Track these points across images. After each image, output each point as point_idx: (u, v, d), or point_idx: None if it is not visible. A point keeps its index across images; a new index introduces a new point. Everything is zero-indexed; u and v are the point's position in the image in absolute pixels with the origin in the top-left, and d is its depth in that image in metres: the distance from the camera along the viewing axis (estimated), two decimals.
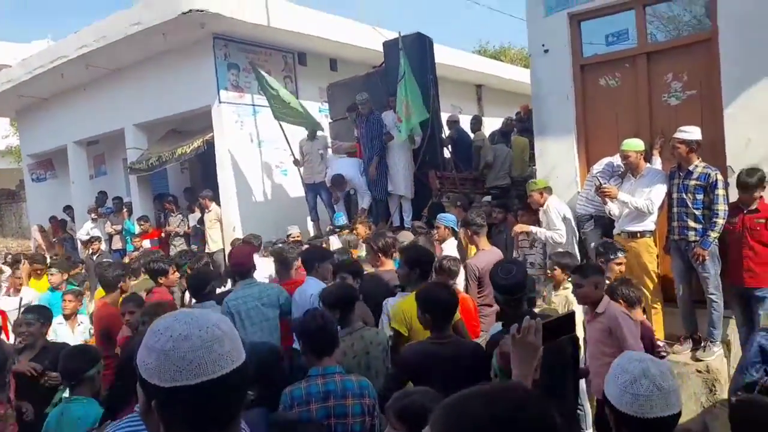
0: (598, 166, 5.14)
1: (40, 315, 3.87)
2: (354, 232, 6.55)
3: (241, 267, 4.29)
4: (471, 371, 2.66)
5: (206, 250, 8.35)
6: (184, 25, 8.26)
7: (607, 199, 4.62)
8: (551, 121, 5.64)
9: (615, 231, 4.78)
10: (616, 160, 4.93)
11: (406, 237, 5.78)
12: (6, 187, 16.50)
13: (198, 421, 0.97)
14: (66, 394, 3.12)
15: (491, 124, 11.30)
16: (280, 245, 6.31)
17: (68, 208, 11.91)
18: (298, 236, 7.45)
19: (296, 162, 8.54)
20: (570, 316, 1.73)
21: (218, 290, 4.53)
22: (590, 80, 5.48)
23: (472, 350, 2.79)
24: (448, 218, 5.30)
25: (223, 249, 8.48)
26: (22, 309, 5.39)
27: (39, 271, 7.10)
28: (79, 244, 10.43)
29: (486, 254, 4.62)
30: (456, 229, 5.22)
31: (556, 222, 5.08)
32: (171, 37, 8.57)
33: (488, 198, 8.00)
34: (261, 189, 9.44)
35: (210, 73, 8.86)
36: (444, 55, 10.33)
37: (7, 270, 7.55)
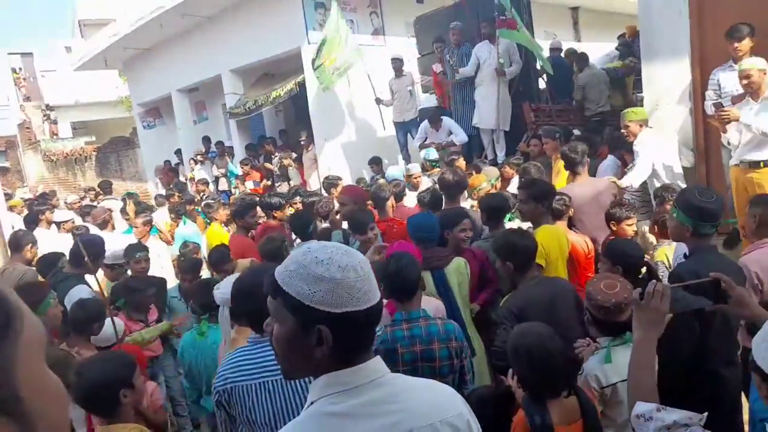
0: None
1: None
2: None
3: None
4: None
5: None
6: None
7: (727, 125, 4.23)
8: (661, 41, 5.18)
9: (732, 161, 4.40)
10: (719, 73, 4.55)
11: (491, 173, 5.75)
12: (121, 134, 17.99)
13: (361, 343, 1.07)
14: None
15: (590, 50, 10.52)
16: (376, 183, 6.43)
17: (179, 152, 12.84)
18: (418, 176, 6.36)
19: (377, 101, 8.54)
20: (714, 284, 1.61)
21: None
22: None
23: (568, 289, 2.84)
24: None
25: (320, 189, 8.82)
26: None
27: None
28: (189, 185, 11.29)
29: (580, 186, 4.27)
30: None
31: (644, 158, 4.67)
32: None
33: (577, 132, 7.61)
34: (352, 128, 9.58)
35: (298, 14, 8.91)
36: None
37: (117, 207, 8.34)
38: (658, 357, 1.57)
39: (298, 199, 6.27)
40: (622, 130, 5.03)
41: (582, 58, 8.35)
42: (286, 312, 1.04)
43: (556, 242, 3.39)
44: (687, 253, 2.47)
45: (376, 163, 8.10)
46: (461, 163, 6.26)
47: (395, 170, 7.13)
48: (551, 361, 1.90)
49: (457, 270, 3.23)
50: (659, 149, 4.81)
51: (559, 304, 2.73)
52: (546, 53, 8.53)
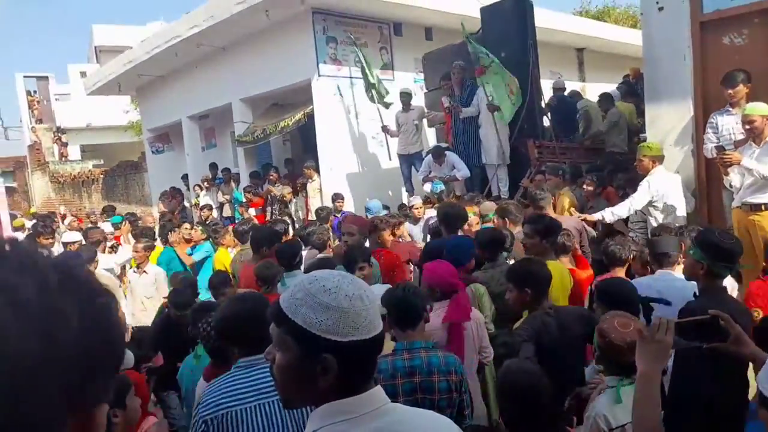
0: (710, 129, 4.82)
1: None
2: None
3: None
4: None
5: (308, 218, 8.80)
6: (285, 1, 8.55)
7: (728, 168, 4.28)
8: (665, 84, 5.29)
9: (734, 203, 4.43)
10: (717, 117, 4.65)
11: (487, 208, 5.83)
12: (129, 158, 18.19)
13: (364, 372, 1.07)
14: None
15: (594, 90, 10.72)
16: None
17: (185, 177, 12.95)
18: (419, 207, 6.63)
19: (384, 128, 8.69)
20: (714, 321, 1.63)
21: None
22: (711, 38, 5.06)
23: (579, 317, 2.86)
24: None
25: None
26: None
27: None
28: (194, 211, 11.36)
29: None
30: None
31: (637, 196, 4.73)
32: (273, 14, 8.91)
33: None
34: (358, 159, 9.70)
35: (310, 47, 9.13)
36: (543, 18, 9.88)
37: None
38: (671, 397, 1.56)
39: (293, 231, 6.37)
40: (635, 164, 5.05)
41: (608, 99, 8.48)
42: (291, 340, 1.03)
43: (558, 277, 3.41)
44: (697, 292, 2.51)
45: (340, 198, 8.20)
46: (451, 198, 6.42)
47: (375, 204, 7.26)
48: (537, 399, 1.89)
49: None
50: (666, 188, 4.82)
51: (567, 333, 2.74)
52: (549, 92, 8.71)
